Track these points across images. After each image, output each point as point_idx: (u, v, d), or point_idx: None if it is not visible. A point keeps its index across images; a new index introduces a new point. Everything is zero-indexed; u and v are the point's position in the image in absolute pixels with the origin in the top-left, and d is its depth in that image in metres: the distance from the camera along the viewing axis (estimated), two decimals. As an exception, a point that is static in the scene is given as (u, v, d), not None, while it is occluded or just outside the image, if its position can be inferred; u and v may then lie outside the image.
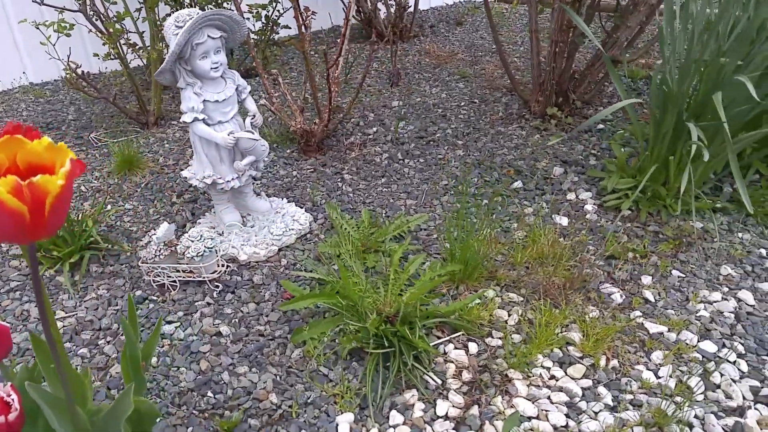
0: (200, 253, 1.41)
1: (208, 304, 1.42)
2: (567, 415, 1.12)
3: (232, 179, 1.56)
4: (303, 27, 1.92)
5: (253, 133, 1.52)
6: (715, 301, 1.39)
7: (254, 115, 1.55)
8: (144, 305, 1.42)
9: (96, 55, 2.16)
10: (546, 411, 1.12)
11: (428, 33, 3.84)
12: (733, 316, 1.35)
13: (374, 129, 2.35)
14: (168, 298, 1.44)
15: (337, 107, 2.24)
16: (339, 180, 1.98)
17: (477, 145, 2.19)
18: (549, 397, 1.16)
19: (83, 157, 2.18)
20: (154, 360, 1.26)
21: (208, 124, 1.49)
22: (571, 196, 1.84)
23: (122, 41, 2.12)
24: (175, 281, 1.46)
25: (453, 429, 1.09)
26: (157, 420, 1.09)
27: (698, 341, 1.28)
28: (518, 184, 1.91)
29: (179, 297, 1.44)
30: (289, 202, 1.79)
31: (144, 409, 0.92)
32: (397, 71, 2.99)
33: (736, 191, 1.74)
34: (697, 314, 1.35)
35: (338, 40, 2.36)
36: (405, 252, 1.56)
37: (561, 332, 1.31)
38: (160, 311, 1.40)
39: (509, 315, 1.36)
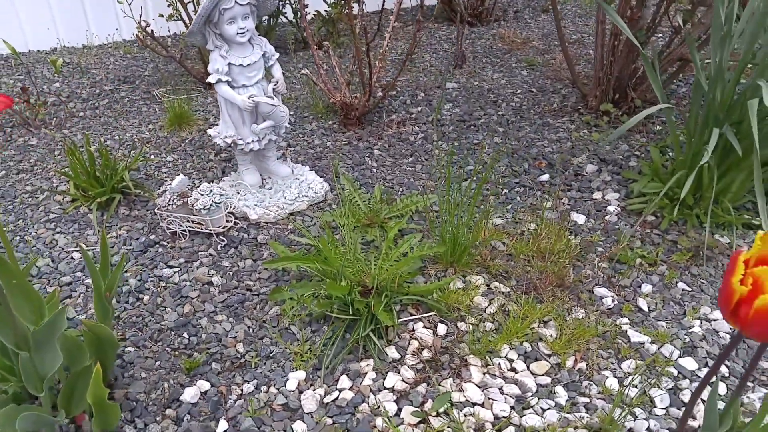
0: (207, 207, 1.51)
1: (210, 255, 1.52)
2: (512, 407, 1.11)
3: (252, 141, 1.64)
4: (352, 2, 1.96)
5: (273, 98, 1.58)
6: (714, 320, 1.31)
7: (277, 82, 1.61)
8: (153, 249, 1.54)
9: (161, 15, 2.31)
10: (492, 400, 1.12)
11: (511, 18, 3.75)
12: (729, 337, 1.26)
13: (419, 108, 2.36)
14: (176, 245, 1.55)
15: (389, 84, 2.27)
16: (368, 155, 2.01)
17: (518, 134, 2.14)
18: (501, 388, 1.15)
19: (145, 110, 2.36)
20: (146, 298, 1.37)
21: (233, 87, 1.57)
22: (597, 195, 1.77)
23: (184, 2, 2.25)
24: (185, 230, 1.57)
25: (394, 401, 1.12)
26: (121, 349, 1.20)
27: (679, 357, 1.21)
28: (545, 177, 1.86)
29: (186, 245, 1.55)
30: (313, 170, 1.85)
31: (103, 334, 1.02)
32: (462, 54, 2.95)
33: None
34: (690, 330, 1.28)
35: (418, 17, 2.37)
36: (405, 230, 1.57)
37: (536, 327, 1.28)
38: (165, 255, 1.51)
39: (489, 303, 1.35)
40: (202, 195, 1.52)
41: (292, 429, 1.07)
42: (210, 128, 1.70)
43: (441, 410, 1.09)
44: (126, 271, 1.45)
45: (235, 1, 1.46)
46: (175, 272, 1.46)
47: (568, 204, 1.73)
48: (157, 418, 1.09)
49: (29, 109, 2.20)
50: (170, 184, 1.56)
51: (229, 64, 1.53)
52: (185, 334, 1.28)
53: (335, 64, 2.21)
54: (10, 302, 0.86)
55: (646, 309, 1.35)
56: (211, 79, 1.55)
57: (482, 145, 2.08)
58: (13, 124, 2.23)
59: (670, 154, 1.90)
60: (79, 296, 1.38)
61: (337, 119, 2.26)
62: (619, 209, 1.69)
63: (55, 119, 2.27)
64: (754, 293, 0.49)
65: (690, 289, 1.40)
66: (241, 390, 1.15)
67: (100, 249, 1.13)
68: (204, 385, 1.15)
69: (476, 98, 2.46)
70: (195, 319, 1.32)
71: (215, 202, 1.52)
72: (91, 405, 0.95)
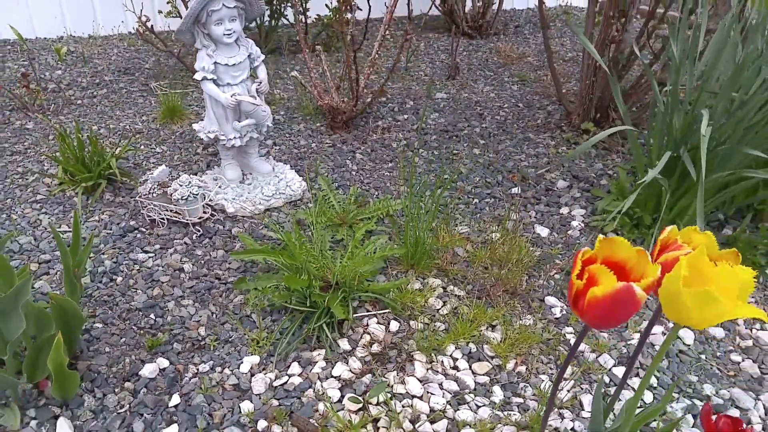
0: (184, 197, 1.59)
1: (185, 243, 1.60)
2: (448, 402, 1.18)
3: (234, 138, 1.71)
4: (346, 10, 2.04)
5: (255, 98, 1.66)
6: (652, 334, 1.37)
7: (261, 82, 1.69)
8: (132, 234, 1.62)
9: (160, 12, 2.40)
10: (431, 394, 1.19)
11: (511, 33, 3.83)
12: (665, 351, 1.33)
13: (405, 116, 2.44)
14: (154, 232, 1.63)
15: (378, 90, 2.34)
16: (350, 158, 2.09)
17: (497, 147, 2.22)
18: (441, 384, 1.22)
19: (141, 102, 2.44)
20: (119, 279, 1.45)
21: (218, 85, 1.65)
22: (564, 210, 1.84)
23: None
24: (164, 219, 1.64)
25: (338, 389, 1.19)
26: (90, 324, 1.27)
27: (613, 366, 1.28)
28: (517, 189, 1.93)
29: (163, 233, 1.63)
30: (294, 170, 1.92)
31: (68, 307, 1.09)
32: (456, 65, 3.03)
33: (736, 231, 1.67)
34: (628, 342, 1.35)
35: (406, 28, 2.44)
36: (374, 231, 1.65)
37: (484, 330, 1.35)
38: (142, 241, 1.59)
39: (443, 305, 1.42)
40: (180, 186, 1.60)
41: (239, 407, 1.14)
42: (196, 123, 1.78)
43: (381, 400, 1.16)
44: (103, 254, 1.53)
45: (223, 4, 1.55)
46: (149, 257, 1.53)
47: (535, 217, 1.80)
48: (116, 390, 1.16)
49: (28, 94, 2.28)
50: (152, 174, 1.63)
51: (215, 63, 1.61)
52: (152, 315, 1.35)
53: (326, 68, 2.29)
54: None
55: (591, 320, 1.41)
56: (197, 77, 1.63)
57: (461, 155, 2.15)
58: (12, 107, 2.32)
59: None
60: (56, 273, 1.46)
61: (324, 122, 2.34)
62: (582, 225, 1.76)
63: (53, 105, 2.35)
64: (588, 287, 0.57)
65: (636, 304, 1.46)
66: (197, 369, 1.22)
67: (72, 228, 1.21)
68: (163, 362, 1.23)
69: (463, 110, 2.54)
70: (163, 301, 1.39)
71: (193, 194, 1.60)
72: (51, 371, 1.02)
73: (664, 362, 1.30)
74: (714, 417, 0.80)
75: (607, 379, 1.25)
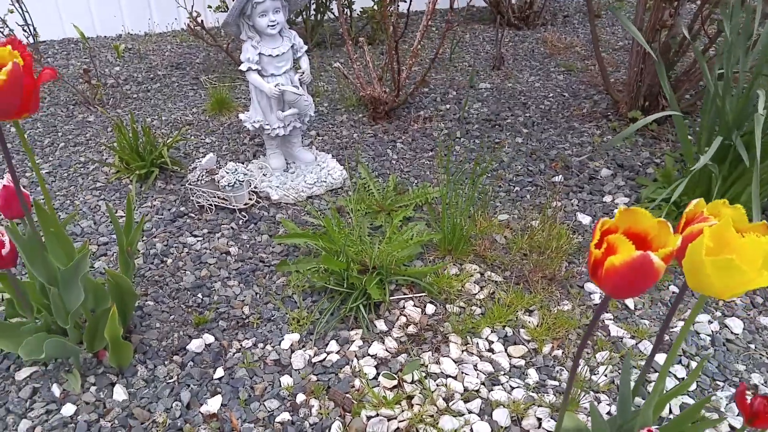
0: (230, 184, 1.65)
1: (232, 228, 1.66)
2: (482, 383, 1.19)
3: (278, 127, 1.77)
4: (391, 2, 2.07)
5: (298, 88, 1.71)
6: (697, 322, 1.35)
7: (303, 73, 1.74)
8: (182, 219, 1.70)
9: (209, 6, 2.48)
10: (465, 374, 1.21)
11: (559, 23, 3.77)
12: (708, 339, 1.31)
13: (447, 106, 2.45)
14: (203, 217, 1.70)
15: (421, 80, 2.36)
16: (390, 147, 2.12)
17: (540, 136, 2.20)
18: (475, 365, 1.23)
19: (192, 95, 2.54)
20: (169, 261, 1.52)
21: (263, 75, 1.70)
22: (607, 198, 1.82)
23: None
24: (212, 205, 1.72)
25: (374, 366, 1.22)
26: (142, 301, 1.35)
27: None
28: (559, 178, 1.92)
29: (211, 218, 1.70)
30: (336, 159, 1.97)
31: (122, 282, 1.17)
32: (501, 56, 3.01)
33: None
34: (671, 329, 1.33)
35: (447, 17, 2.46)
36: (412, 218, 1.67)
37: (521, 315, 1.36)
38: (191, 226, 1.66)
39: (480, 290, 1.44)
40: (227, 173, 1.66)
41: (279, 381, 1.19)
42: (242, 114, 1.84)
43: (416, 378, 1.19)
44: (155, 237, 1.61)
45: (268, -4, 1.60)
46: (198, 241, 1.60)
47: (577, 205, 1.78)
48: (165, 362, 1.23)
49: (90, 90, 2.41)
50: (200, 162, 1.71)
51: (260, 54, 1.67)
52: (199, 295, 1.42)
53: (369, 59, 2.33)
54: (47, 246, 1.02)
55: (632, 307, 1.40)
56: (242, 67, 1.69)
57: (503, 143, 2.15)
58: (75, 102, 2.45)
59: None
60: (113, 255, 1.54)
61: (366, 113, 2.38)
62: (625, 212, 1.74)
63: (111, 99, 2.47)
64: (606, 256, 0.57)
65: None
66: (241, 345, 1.28)
67: (126, 210, 1.29)
68: (209, 338, 1.29)
69: (506, 99, 2.53)
70: (210, 282, 1.46)
71: (239, 180, 1.66)
72: (108, 341, 1.10)
73: (710, 350, 1.28)
74: (749, 397, 0.79)
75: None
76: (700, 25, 2.24)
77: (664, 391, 0.89)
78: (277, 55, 1.68)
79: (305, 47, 1.75)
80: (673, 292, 1.44)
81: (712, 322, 1.34)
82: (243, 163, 1.93)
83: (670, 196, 1.70)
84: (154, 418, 1.10)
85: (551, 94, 2.60)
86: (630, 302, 1.41)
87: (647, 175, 1.93)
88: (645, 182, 1.86)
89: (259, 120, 1.76)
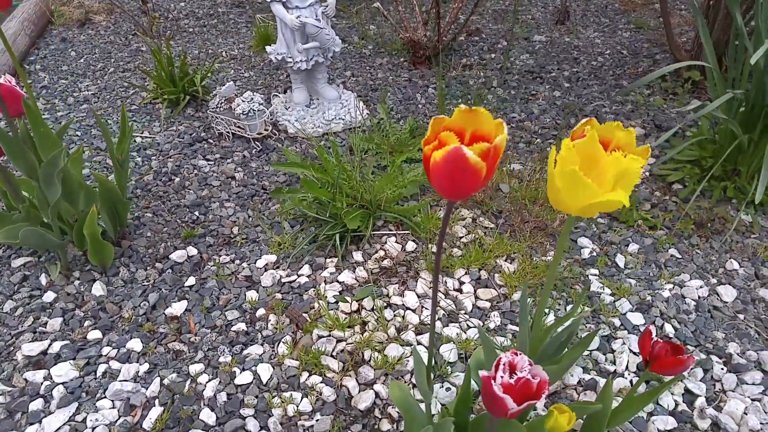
0: (245, 112, 1.70)
1: (244, 156, 1.72)
2: (439, 318, 1.19)
3: (300, 61, 1.79)
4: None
5: (320, 21, 1.71)
6: (686, 286, 1.27)
7: (327, 6, 1.74)
8: (200, 144, 1.77)
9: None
10: (425, 308, 1.21)
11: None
12: (694, 304, 1.22)
13: (493, 55, 2.37)
14: (220, 144, 1.77)
15: (464, 27, 2.30)
16: (421, 92, 2.09)
17: (582, 92, 2.09)
18: (438, 302, 1.23)
19: (244, 32, 2.61)
20: (176, 180, 1.61)
21: (287, 8, 1.72)
22: (634, 157, 1.71)
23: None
24: (230, 132, 1.78)
25: (339, 292, 1.24)
26: (138, 212, 1.43)
27: (629, 311, 1.20)
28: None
29: (227, 145, 1.76)
30: (361, 99, 1.97)
31: (109, 187, 1.25)
32: (566, 10, 2.86)
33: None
34: (656, 291, 1.26)
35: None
36: (417, 160, 1.66)
37: (500, 261, 1.33)
38: (206, 150, 1.74)
39: (467, 234, 1.42)
40: (243, 101, 1.71)
41: (245, 295, 1.24)
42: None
43: (377, 306, 1.20)
44: (170, 158, 1.70)
45: (293, -73, 1.60)
46: (208, 164, 1.68)
47: (597, 161, 1.69)
48: (147, 267, 1.31)
49: (148, 21, 2.53)
50: (220, 89, 1.77)
51: (285, -16, 1.68)
52: (196, 212, 1.49)
53: (415, 2, 2.28)
54: (37, 145, 1.11)
55: (621, 266, 1.33)
56: (267, -1, 1.71)
57: (538, 96, 2.06)
58: (135, 33, 2.59)
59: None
60: (129, 170, 1.65)
61: (408, 57, 2.35)
62: (647, 174, 1.63)
63: (168, 32, 2.59)
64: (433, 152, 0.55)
65: (680, 257, 1.35)
66: (219, 260, 1.34)
67: (120, 122, 1.37)
68: (192, 251, 1.36)
69: (558, 53, 2.41)
70: (209, 202, 1.53)
71: (253, 109, 1.71)
72: (87, 238, 1.19)
73: (691, 315, 1.20)
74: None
75: (617, 323, 1.18)
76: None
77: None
78: (302, -13, 1.69)
79: (330, -19, 1.74)
80: (672, 256, 1.35)
81: (701, 287, 1.26)
82: (270, 96, 1.98)
83: (693, 158, 1.59)
84: (122, 314, 1.19)
85: (608, 51, 2.44)
86: (621, 260, 1.34)
87: (685, 138, 1.80)
88: (677, 144, 1.73)
89: (282, 52, 1.79)
